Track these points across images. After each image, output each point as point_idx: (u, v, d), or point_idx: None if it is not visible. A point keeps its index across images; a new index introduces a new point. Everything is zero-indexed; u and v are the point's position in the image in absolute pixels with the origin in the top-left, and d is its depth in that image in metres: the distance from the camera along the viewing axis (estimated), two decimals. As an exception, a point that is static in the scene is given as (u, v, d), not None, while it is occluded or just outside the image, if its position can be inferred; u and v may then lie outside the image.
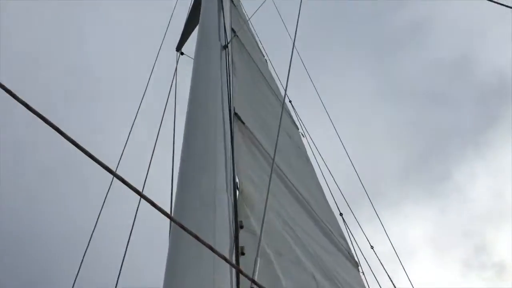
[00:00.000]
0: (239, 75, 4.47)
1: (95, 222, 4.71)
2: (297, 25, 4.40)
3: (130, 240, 4.41)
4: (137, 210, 4.50)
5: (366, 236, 4.95)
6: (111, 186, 4.83)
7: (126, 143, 5.68)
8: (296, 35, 4.26)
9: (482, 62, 18.96)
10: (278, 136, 3.09)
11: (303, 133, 6.00)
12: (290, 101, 6.29)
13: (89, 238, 4.60)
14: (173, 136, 5.27)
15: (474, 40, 18.52)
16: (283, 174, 3.89)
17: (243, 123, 3.58)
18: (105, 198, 4.84)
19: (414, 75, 18.89)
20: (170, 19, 7.71)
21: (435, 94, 18.43)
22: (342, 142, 6.08)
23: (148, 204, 1.33)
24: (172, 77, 6.43)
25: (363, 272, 4.45)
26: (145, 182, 4.93)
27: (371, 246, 4.86)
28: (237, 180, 2.89)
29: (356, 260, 4.61)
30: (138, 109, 6.15)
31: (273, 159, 2.90)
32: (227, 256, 2.12)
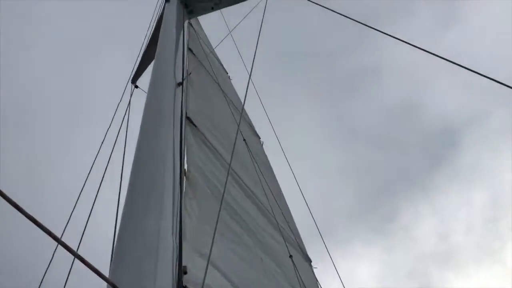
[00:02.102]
0: (196, 88, 4.88)
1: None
2: (252, 66, 4.33)
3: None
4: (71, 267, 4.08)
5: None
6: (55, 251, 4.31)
7: (81, 190, 5.06)
8: (253, 73, 4.31)
9: (428, 109, 20.28)
10: (235, 143, 3.39)
11: (263, 142, 6.33)
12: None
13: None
14: (121, 170, 4.76)
15: (420, 88, 19.78)
16: (235, 173, 4.25)
17: (195, 126, 3.97)
18: (49, 264, 4.41)
19: (366, 119, 20.05)
20: (140, 51, 7.53)
21: (385, 138, 19.50)
22: (298, 184, 5.75)
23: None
24: (125, 110, 6.15)
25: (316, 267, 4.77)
26: (86, 224, 4.58)
27: None
28: (186, 169, 3.22)
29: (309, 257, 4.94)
30: (101, 146, 5.59)
31: (231, 158, 3.20)
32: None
